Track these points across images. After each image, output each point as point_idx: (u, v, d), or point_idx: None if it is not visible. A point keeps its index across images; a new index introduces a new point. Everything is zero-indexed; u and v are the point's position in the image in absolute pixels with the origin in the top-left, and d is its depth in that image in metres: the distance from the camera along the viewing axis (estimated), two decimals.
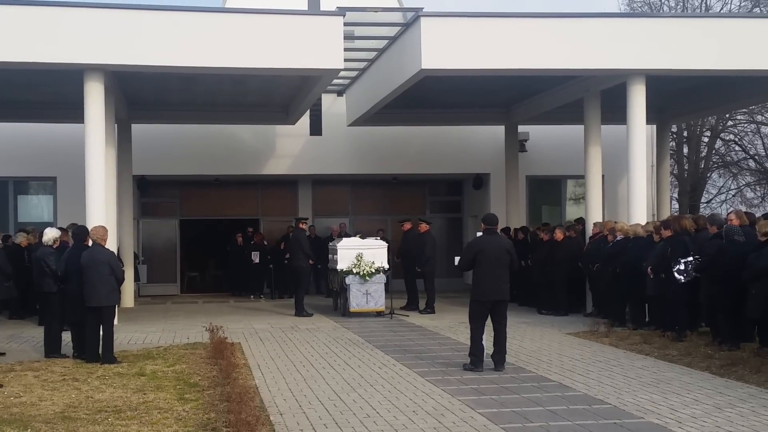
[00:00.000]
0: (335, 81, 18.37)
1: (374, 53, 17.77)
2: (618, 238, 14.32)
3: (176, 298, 21.42)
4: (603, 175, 17.22)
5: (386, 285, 15.81)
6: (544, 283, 16.24)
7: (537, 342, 12.29)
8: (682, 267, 11.95)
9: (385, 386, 8.97)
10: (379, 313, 15.75)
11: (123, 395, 8.54)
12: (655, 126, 21.64)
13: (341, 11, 14.44)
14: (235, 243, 21.25)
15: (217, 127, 20.87)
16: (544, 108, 19.07)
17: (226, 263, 22.01)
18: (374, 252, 15.91)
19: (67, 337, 11.37)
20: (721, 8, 30.31)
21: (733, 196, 33.65)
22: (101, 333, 10.70)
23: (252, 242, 20.94)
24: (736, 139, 32.89)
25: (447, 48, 14.44)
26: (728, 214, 12.51)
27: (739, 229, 11.42)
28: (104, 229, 11.24)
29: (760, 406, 7.88)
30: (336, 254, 16.10)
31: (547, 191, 23.26)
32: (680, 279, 11.97)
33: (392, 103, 17.68)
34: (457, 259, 11.30)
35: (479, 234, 10.32)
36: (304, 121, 20.71)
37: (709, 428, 7.06)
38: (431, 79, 15.60)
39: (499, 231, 11.36)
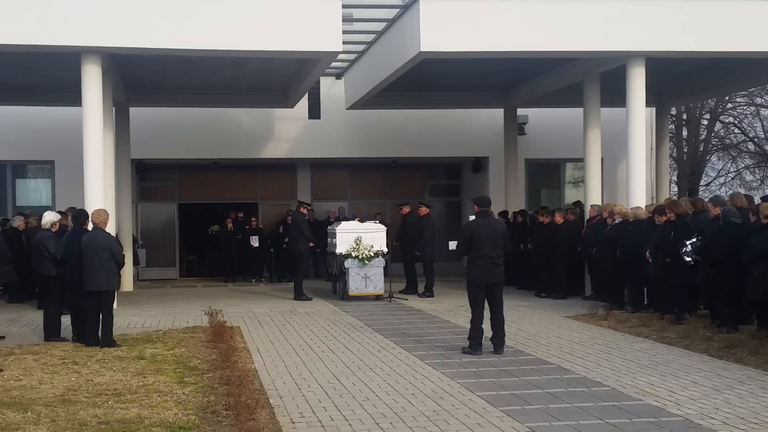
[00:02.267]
0: (334, 64, 18.27)
1: (373, 36, 17.68)
2: (617, 221, 14.30)
3: (175, 282, 21.42)
4: (602, 158, 17.18)
5: (385, 269, 15.82)
6: (544, 267, 16.25)
7: (536, 325, 12.30)
8: (689, 248, 11.89)
9: (384, 369, 8.99)
10: (378, 297, 15.77)
11: (123, 378, 8.55)
12: (654, 108, 21.57)
13: None
14: (225, 228, 21.11)
15: (216, 111, 20.78)
16: (543, 91, 19.01)
17: (219, 248, 21.93)
18: (373, 236, 15.92)
19: (66, 320, 11.38)
20: None
21: (733, 178, 33.66)
22: (101, 317, 10.71)
23: (247, 227, 20.88)
24: (736, 122, 32.86)
25: (446, 30, 14.36)
26: (728, 197, 12.49)
27: (736, 211, 11.41)
28: (106, 213, 11.14)
29: (759, 388, 7.90)
30: (335, 238, 16.10)
31: (546, 174, 23.23)
32: (689, 261, 11.91)
33: (391, 86, 17.61)
34: (451, 244, 11.26)
35: (472, 217, 10.27)
36: (303, 104, 20.63)
37: (708, 410, 7.08)
38: (430, 62, 15.53)
39: (494, 213, 11.32)
